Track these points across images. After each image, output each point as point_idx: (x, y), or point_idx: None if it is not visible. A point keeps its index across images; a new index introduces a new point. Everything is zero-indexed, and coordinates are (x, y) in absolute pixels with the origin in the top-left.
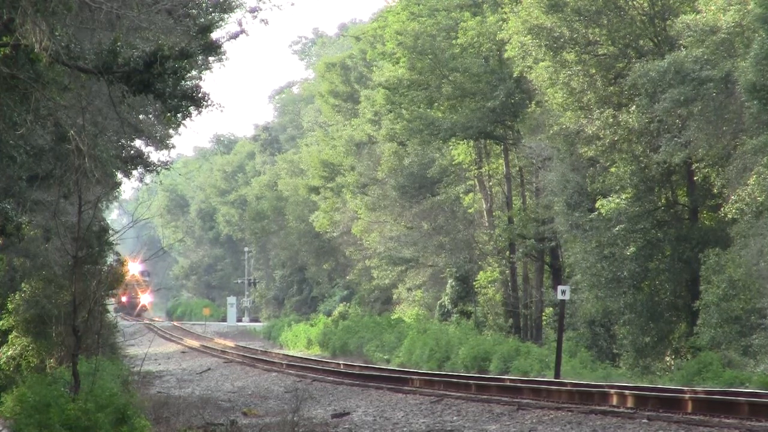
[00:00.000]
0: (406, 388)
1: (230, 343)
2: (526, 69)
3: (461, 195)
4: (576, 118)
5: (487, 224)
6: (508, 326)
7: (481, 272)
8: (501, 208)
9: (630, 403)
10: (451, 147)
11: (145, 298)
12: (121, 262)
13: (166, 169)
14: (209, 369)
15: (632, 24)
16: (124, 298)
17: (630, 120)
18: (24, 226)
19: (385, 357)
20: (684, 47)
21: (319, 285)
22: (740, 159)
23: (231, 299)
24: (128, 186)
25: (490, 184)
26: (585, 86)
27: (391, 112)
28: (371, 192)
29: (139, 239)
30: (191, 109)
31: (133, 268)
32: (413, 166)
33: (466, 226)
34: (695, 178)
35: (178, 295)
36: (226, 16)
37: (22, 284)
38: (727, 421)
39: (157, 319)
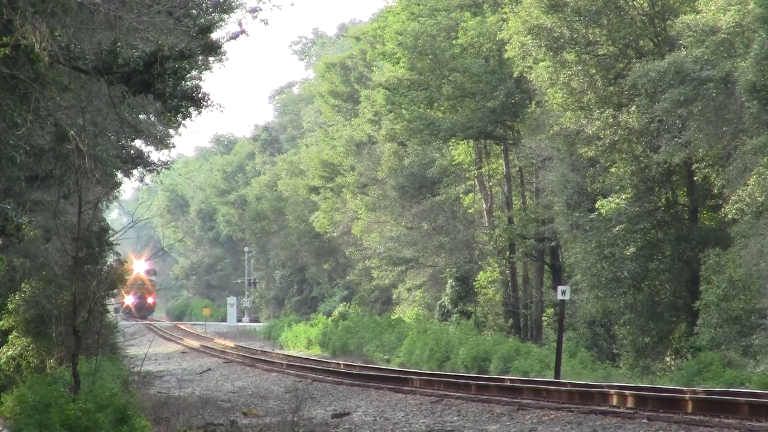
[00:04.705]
0: (406, 388)
1: (230, 344)
2: (526, 69)
3: (461, 195)
4: (576, 118)
5: (487, 224)
6: (508, 326)
7: (481, 272)
8: (501, 208)
9: (630, 403)
10: (451, 147)
11: (151, 299)
12: (122, 262)
13: (166, 169)
14: (209, 369)
15: (632, 24)
16: (129, 299)
17: (630, 120)
18: (24, 226)
19: (385, 357)
20: (684, 47)
21: (319, 285)
22: (740, 159)
23: (231, 299)
24: (128, 186)
25: (490, 184)
26: (585, 86)
27: (391, 112)
28: (371, 192)
29: (139, 239)
30: (191, 109)
31: (139, 267)
32: (413, 166)
33: (466, 226)
34: (695, 178)
35: (177, 295)
36: (226, 16)
37: (22, 284)
38: (727, 421)
39: (160, 319)
